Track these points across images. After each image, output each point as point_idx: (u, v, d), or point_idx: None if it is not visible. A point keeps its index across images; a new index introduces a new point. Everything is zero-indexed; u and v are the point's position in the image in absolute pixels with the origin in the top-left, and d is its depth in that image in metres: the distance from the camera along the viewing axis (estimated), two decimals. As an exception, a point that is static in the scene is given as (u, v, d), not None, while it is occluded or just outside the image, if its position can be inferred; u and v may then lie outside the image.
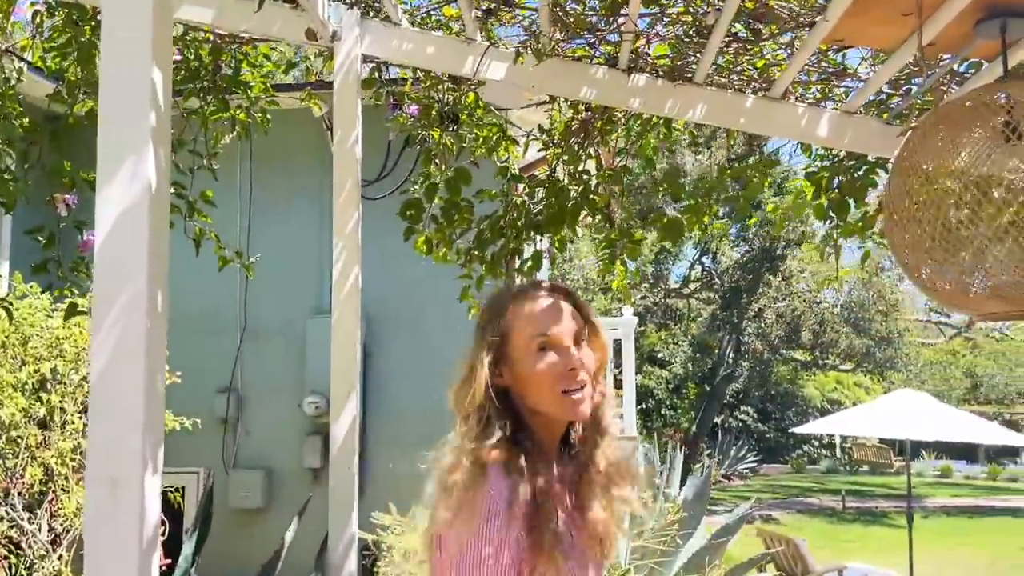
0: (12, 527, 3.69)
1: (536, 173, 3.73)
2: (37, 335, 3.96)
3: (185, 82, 2.99)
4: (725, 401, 23.96)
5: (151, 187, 1.20)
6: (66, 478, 3.86)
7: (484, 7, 2.60)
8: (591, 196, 2.94)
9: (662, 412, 22.52)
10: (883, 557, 10.94)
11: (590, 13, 2.61)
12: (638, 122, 3.19)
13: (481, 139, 3.17)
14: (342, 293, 2.59)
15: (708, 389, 22.79)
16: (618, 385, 7.64)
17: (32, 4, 2.88)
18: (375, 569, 4.35)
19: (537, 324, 1.28)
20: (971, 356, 26.66)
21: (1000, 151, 1.88)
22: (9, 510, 3.68)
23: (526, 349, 1.27)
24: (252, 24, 2.74)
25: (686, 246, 20.67)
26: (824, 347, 22.03)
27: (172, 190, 2.18)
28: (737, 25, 2.54)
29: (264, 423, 5.80)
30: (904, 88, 2.77)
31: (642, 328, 20.67)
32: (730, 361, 22.51)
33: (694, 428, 21.71)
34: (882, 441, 23.94)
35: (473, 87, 3.02)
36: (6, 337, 3.84)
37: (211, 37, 2.99)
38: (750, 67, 2.77)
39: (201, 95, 3.03)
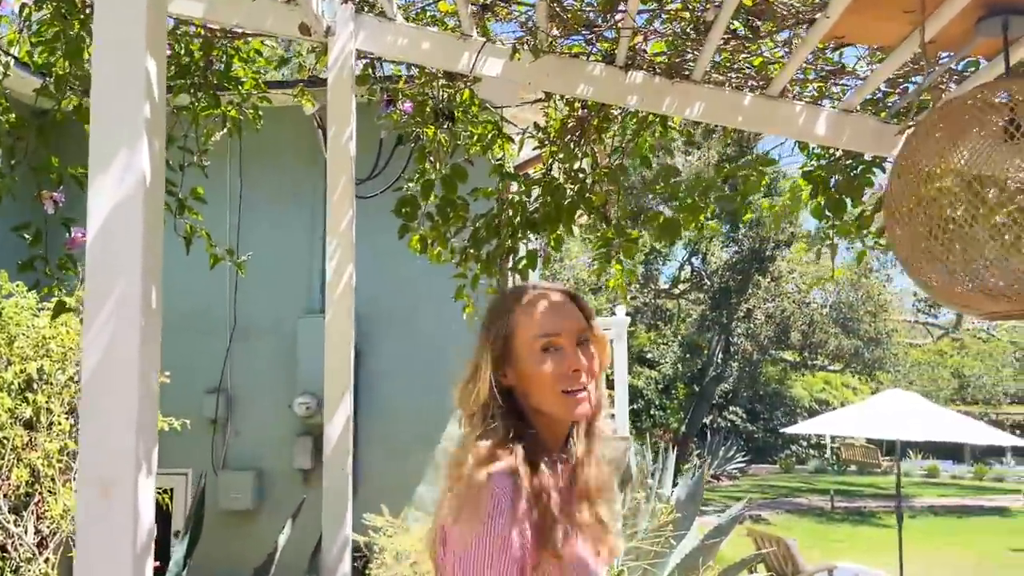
0: (-3, 529, 3.63)
1: (530, 172, 3.70)
2: (23, 334, 3.90)
3: (175, 78, 2.94)
4: (714, 401, 24.02)
5: (145, 180, 1.17)
6: (53, 479, 3.79)
7: (480, 3, 2.57)
8: (587, 195, 2.92)
9: (651, 412, 22.54)
10: (872, 557, 10.98)
11: (587, 9, 2.58)
12: (634, 120, 3.16)
13: (476, 137, 3.13)
14: (336, 292, 2.55)
15: (697, 389, 22.84)
16: (610, 385, 7.63)
17: (19, -3, 2.83)
18: (367, 571, 4.31)
19: (540, 325, 1.29)
20: (958, 356, 26.84)
21: (1001, 150, 1.87)
22: (-6, 512, 3.62)
23: (529, 349, 1.29)
24: (244, 18, 2.71)
25: (676, 247, 20.71)
26: (813, 348, 22.13)
27: (163, 186, 2.13)
28: (736, 22, 2.52)
29: (254, 424, 5.75)
30: (902, 87, 2.76)
31: (632, 328, 20.68)
32: (719, 361, 22.57)
33: (683, 428, 21.75)
34: (869, 441, 24.06)
35: (468, 84, 2.99)
36: (-9, 336, 3.78)
37: (202, 32, 2.94)
38: (747, 65, 2.76)
39: (191, 91, 2.99)
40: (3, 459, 3.67)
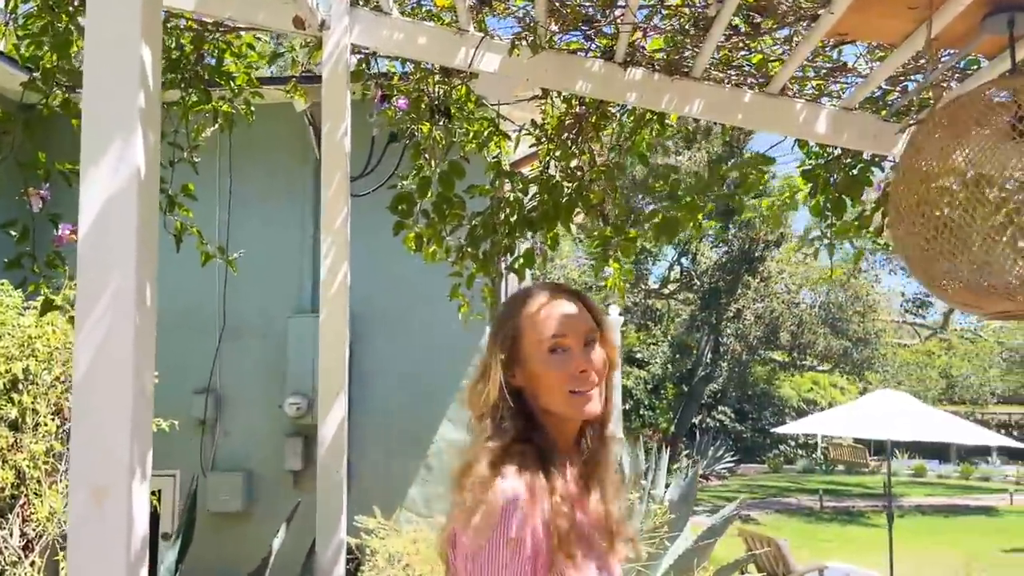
0: (-18, 533, 3.56)
1: (525, 170, 3.66)
2: (8, 334, 3.83)
3: (165, 72, 2.88)
4: (703, 401, 24.06)
5: (139, 172, 1.12)
6: (39, 482, 3.72)
7: (478, -3, 2.53)
8: (585, 193, 2.88)
9: (641, 412, 22.56)
10: (861, 556, 11.01)
11: (586, 4, 2.55)
12: (631, 118, 3.13)
13: (472, 134, 3.09)
14: (331, 290, 2.51)
15: (686, 389, 22.87)
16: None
17: (5, -11, 2.77)
18: (359, 573, 4.26)
19: (548, 326, 1.30)
20: (946, 357, 27.02)
21: (1007, 148, 1.85)
22: (-21, 515, 3.55)
23: (537, 350, 1.29)
24: (237, 11, 2.65)
25: (665, 246, 20.73)
26: (802, 348, 22.21)
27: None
28: (736, 19, 2.49)
29: (243, 424, 5.68)
30: (902, 85, 2.74)
31: (622, 328, 20.70)
32: (708, 362, 22.61)
33: (672, 428, 21.78)
34: (857, 441, 24.18)
35: (465, 80, 2.95)
36: (-24, 336, 3.71)
37: (193, 25, 2.89)
38: (747, 63, 2.73)
39: (182, 86, 2.93)
40: (-12, 461, 3.60)
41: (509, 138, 3.07)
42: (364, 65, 2.96)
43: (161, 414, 4.26)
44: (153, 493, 5.02)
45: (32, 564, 3.66)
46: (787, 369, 25.26)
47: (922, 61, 2.56)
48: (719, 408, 25.31)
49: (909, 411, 8.65)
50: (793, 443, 25.89)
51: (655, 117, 3.07)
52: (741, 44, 2.64)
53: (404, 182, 3.03)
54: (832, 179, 2.94)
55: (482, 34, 2.55)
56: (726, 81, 2.66)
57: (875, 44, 2.66)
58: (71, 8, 2.64)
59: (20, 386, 3.80)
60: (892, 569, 8.33)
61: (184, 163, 3.07)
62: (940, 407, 16.31)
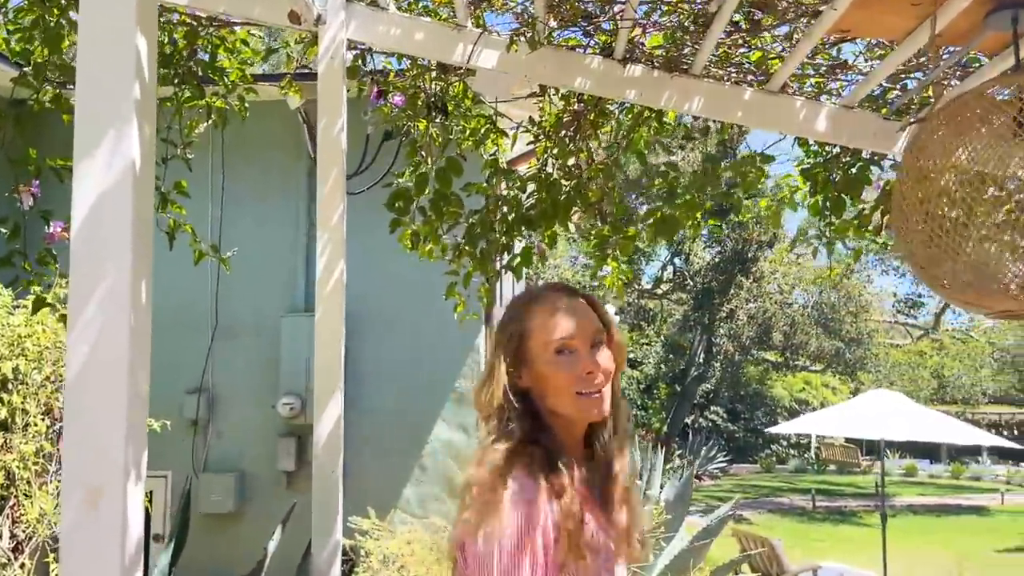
0: (-30, 534, 3.51)
1: (522, 168, 3.64)
2: (-2, 333, 3.78)
3: (158, 67, 2.84)
4: (696, 401, 24.08)
5: (134, 165, 1.09)
6: (28, 482, 3.67)
7: (476, -8, 2.50)
8: (583, 191, 2.86)
9: (633, 412, 22.54)
10: (854, 556, 11.04)
11: (586, 0, 2.52)
12: (629, 116, 3.11)
13: (468, 131, 3.07)
14: (326, 288, 2.47)
15: (679, 389, 22.89)
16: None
17: (-5, -17, 2.73)
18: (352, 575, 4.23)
19: (555, 328, 1.29)
20: (937, 357, 27.15)
21: (1009, 146, 1.84)
22: (-33, 517, 3.50)
23: (544, 351, 1.28)
24: (231, 6, 2.62)
25: (659, 246, 20.74)
26: (794, 348, 22.25)
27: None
28: (736, 15, 2.47)
29: (236, 425, 5.63)
30: (902, 83, 2.72)
31: (615, 328, 20.66)
32: (701, 362, 22.63)
33: (665, 428, 21.79)
34: (849, 440, 24.25)
35: (462, 76, 2.92)
36: (-36, 335, 3.66)
37: (187, 20, 2.85)
38: (747, 60, 2.71)
39: (175, 81, 2.89)
40: (-23, 462, 3.55)
41: (506, 135, 3.04)
42: (360, 61, 2.93)
43: (153, 414, 4.19)
44: (144, 494, 4.96)
45: (22, 566, 3.62)
46: (780, 369, 25.32)
47: (923, 59, 2.55)
48: (711, 408, 25.34)
49: (903, 411, 8.66)
50: (785, 443, 25.94)
51: (653, 115, 3.05)
52: (741, 41, 2.62)
53: (399, 180, 3.00)
54: (832, 178, 2.92)
55: (480, 30, 2.52)
56: (726, 78, 2.64)
57: (875, 42, 2.64)
58: (63, 2, 2.60)
59: (10, 386, 3.75)
60: (885, 569, 8.34)
61: (177, 160, 3.03)
62: (932, 407, 16.36)
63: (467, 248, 2.77)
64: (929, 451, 26.23)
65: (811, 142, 2.97)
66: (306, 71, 4.49)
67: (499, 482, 1.16)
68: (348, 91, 2.68)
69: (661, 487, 5.64)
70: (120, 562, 1.05)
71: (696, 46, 2.51)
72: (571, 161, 2.95)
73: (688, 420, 23.95)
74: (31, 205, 2.55)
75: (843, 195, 2.90)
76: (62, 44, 2.67)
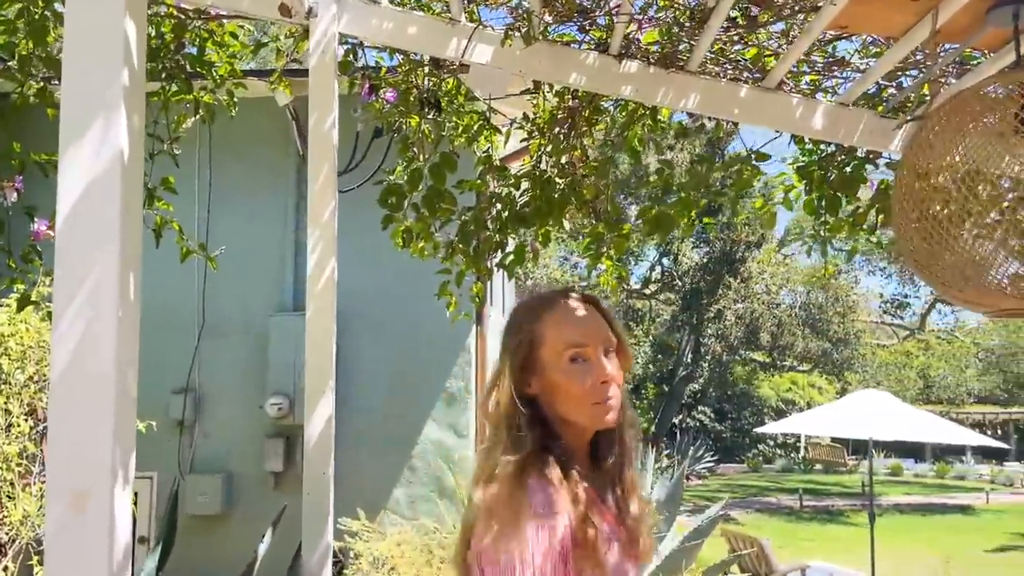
0: (-48, 537, 3.44)
1: (514, 166, 3.60)
2: (-21, 332, 3.71)
3: (146, 61, 2.79)
4: (683, 401, 24.13)
5: (123, 155, 1.05)
6: (12, 484, 3.61)
7: (470, -14, 2.47)
8: (578, 189, 2.82)
9: (623, 412, 22.50)
10: (841, 555, 11.07)
11: (582, -5, 2.49)
12: (623, 113, 3.08)
13: (461, 128, 3.03)
14: (318, 286, 2.43)
15: (667, 389, 22.92)
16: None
17: (-23, -27, 2.66)
18: (342, 577, 4.18)
19: (570, 335, 1.27)
20: (923, 357, 27.34)
21: (1009, 144, 1.82)
22: (-52, 519, 3.43)
23: (558, 359, 1.26)
24: (220, -2, 2.57)
25: (647, 247, 20.76)
26: (781, 349, 22.34)
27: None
28: (733, 11, 2.45)
29: (223, 425, 5.57)
30: (898, 80, 2.71)
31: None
32: (689, 362, 22.68)
33: (653, 428, 21.82)
34: (835, 440, 24.36)
35: (455, 72, 2.89)
36: (-54, 334, 3.59)
37: (174, 12, 2.80)
38: (741, 58, 2.69)
39: (162, 75, 2.84)
40: (-42, 463, 3.48)
41: (500, 132, 3.00)
42: (351, 56, 2.88)
43: (138, 415, 4.13)
44: (130, 495, 4.89)
45: (5, 569, 3.55)
46: (767, 369, 25.42)
47: (919, 56, 2.53)
48: (699, 408, 25.40)
49: (891, 411, 8.69)
50: (772, 443, 26.03)
51: (647, 112, 3.03)
52: (737, 38, 2.60)
53: (391, 177, 2.96)
54: (827, 176, 2.91)
55: (474, 24, 2.48)
56: (722, 75, 2.62)
57: (870, 40, 2.63)
58: (48, -7, 2.54)
59: (-8, 386, 3.68)
60: (873, 569, 8.36)
61: (164, 155, 2.98)
62: (918, 407, 16.47)
63: (460, 246, 2.73)
64: (914, 451, 26.40)
65: (807, 140, 2.95)
66: (295, 67, 4.44)
67: (517, 493, 1.13)
68: (340, 87, 2.63)
69: (651, 487, 5.61)
70: (107, 567, 1.01)
71: (692, 42, 2.49)
72: (565, 158, 2.92)
73: (676, 420, 23.99)
74: (15, 200, 2.49)
75: (838, 194, 2.89)
76: (47, 37, 2.61)
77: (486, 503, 1.16)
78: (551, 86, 2.92)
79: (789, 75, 2.64)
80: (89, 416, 1.03)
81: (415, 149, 2.86)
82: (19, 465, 3.62)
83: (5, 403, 3.66)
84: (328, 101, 2.50)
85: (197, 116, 3.04)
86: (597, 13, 2.52)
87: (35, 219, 2.42)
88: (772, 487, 20.59)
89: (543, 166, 2.92)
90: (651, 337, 23.80)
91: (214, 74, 2.95)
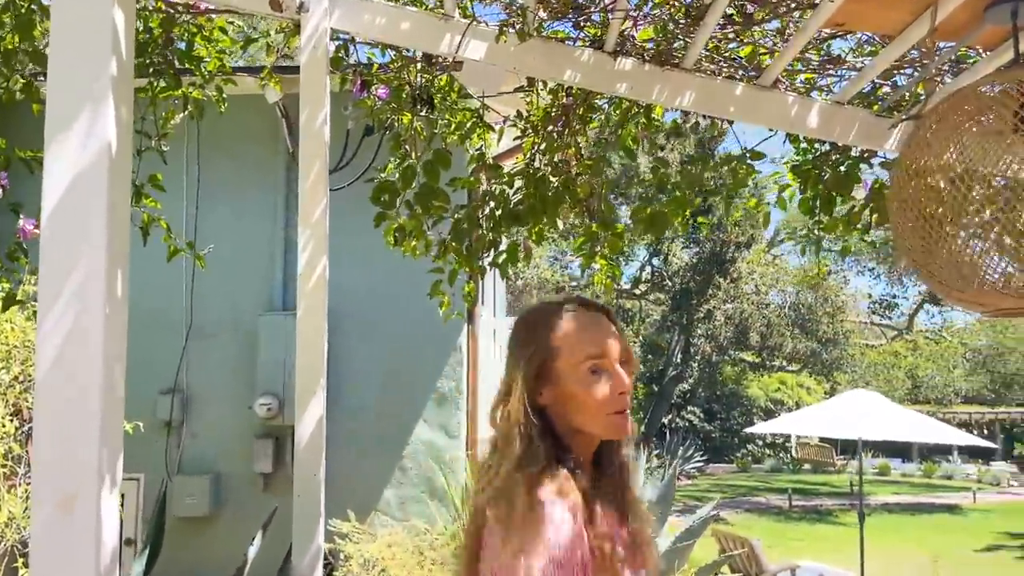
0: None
1: (507, 164, 3.57)
2: (-36, 331, 3.65)
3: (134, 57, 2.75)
4: (673, 401, 24.16)
5: (110, 147, 1.01)
6: (-4, 486, 3.56)
7: (464, -19, 2.44)
8: (572, 187, 2.80)
9: (611, 412, 22.51)
10: (831, 555, 11.10)
11: (577, -9, 2.47)
12: (617, 111, 3.06)
13: (454, 125, 3.00)
14: (308, 284, 2.40)
15: (656, 389, 22.95)
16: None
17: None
18: (332, 579, 4.14)
19: (589, 346, 1.26)
20: (912, 357, 27.51)
21: (1006, 142, 1.81)
22: (-69, 521, 3.37)
23: (577, 370, 1.25)
24: (210, -8, 2.53)
25: (637, 247, 20.78)
26: (770, 349, 22.41)
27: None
28: (729, 8, 2.43)
29: (211, 426, 5.51)
30: (893, 79, 2.70)
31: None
32: (679, 362, 22.71)
33: (643, 428, 21.84)
34: (823, 440, 24.45)
35: (449, 69, 2.86)
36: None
37: (162, 7, 2.75)
38: (736, 56, 2.67)
39: (150, 70, 2.80)
40: (-59, 464, 3.43)
41: (493, 130, 2.98)
42: (343, 52, 2.85)
43: (125, 415, 4.08)
44: (117, 497, 4.83)
45: (-12, 572, 3.50)
46: (757, 370, 25.50)
47: (914, 55, 2.52)
48: (688, 408, 25.44)
49: (881, 411, 8.72)
50: (761, 443, 26.11)
51: (641, 111, 3.01)
52: (733, 35, 2.58)
53: (382, 174, 2.93)
54: (822, 175, 2.90)
55: (468, 20, 2.45)
56: (717, 73, 2.60)
57: (865, 39, 2.62)
58: (33, -14, 2.50)
59: (-24, 386, 3.63)
60: (863, 569, 8.38)
61: (151, 152, 2.94)
62: (907, 407, 16.55)
63: (453, 244, 2.70)
64: (901, 450, 26.54)
65: (802, 139, 2.94)
66: (285, 64, 4.40)
67: (536, 509, 1.11)
68: (330, 83, 2.60)
69: (643, 487, 5.60)
70: (94, 571, 0.98)
71: (688, 39, 2.47)
72: (559, 156, 2.90)
73: (665, 420, 24.02)
74: (0, 197, 2.45)
75: (833, 193, 2.88)
76: (33, 31, 2.57)
77: (503, 519, 1.13)
78: (545, 83, 2.89)
79: (784, 73, 2.63)
80: (75, 417, 1.00)
81: (407, 146, 2.83)
82: (4, 466, 3.57)
83: (-10, 403, 3.61)
84: (320, 97, 2.46)
85: (186, 112, 3.00)
86: (592, 9, 2.50)
87: (21, 216, 2.38)
88: (761, 487, 20.64)
89: (537, 164, 2.90)
90: (641, 337, 23.82)
91: (203, 70, 2.91)
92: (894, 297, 25.01)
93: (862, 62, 2.60)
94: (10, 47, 2.52)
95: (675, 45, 2.56)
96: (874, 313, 26.63)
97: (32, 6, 2.54)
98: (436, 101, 2.87)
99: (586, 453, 1.28)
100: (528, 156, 2.93)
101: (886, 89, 2.74)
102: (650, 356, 23.46)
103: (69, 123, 0.99)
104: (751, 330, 21.23)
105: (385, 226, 2.67)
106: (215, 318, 5.55)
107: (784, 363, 24.52)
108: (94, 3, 1.02)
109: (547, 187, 2.76)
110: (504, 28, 2.39)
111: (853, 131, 2.65)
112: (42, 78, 2.77)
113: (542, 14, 2.46)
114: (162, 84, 2.86)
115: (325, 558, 4.12)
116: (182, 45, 2.88)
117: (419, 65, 2.86)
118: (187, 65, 2.88)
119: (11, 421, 3.66)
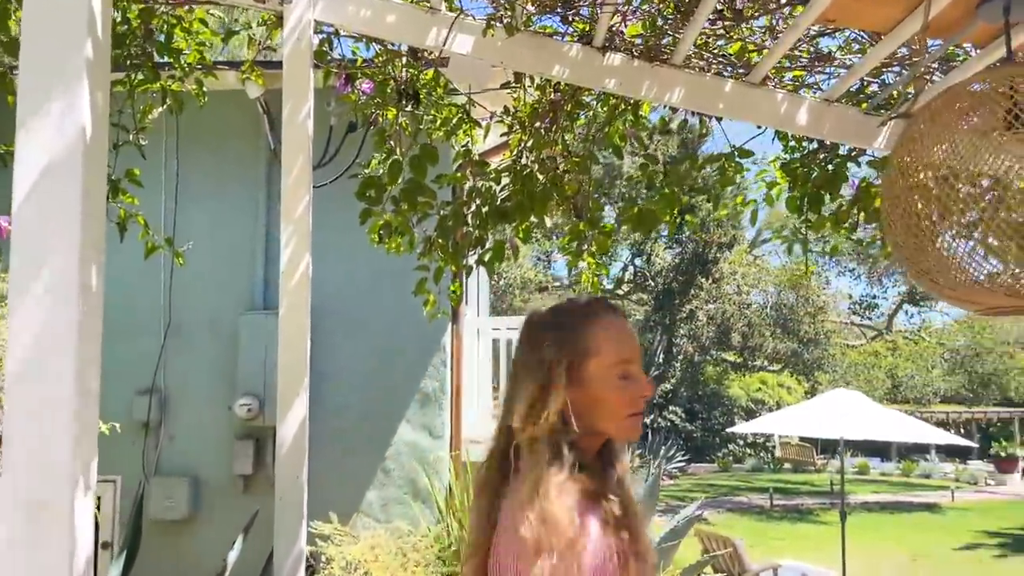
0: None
1: (493, 161, 3.54)
2: (-66, 330, 3.55)
3: (111, 48, 2.68)
4: (655, 401, 24.22)
5: (85, 132, 0.96)
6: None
7: (450, -27, 2.40)
8: (560, 184, 2.77)
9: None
10: (812, 554, 11.16)
11: (565, -15, 2.43)
12: (604, 108, 3.03)
13: (440, 121, 2.95)
14: (291, 282, 2.34)
15: (639, 390, 22.94)
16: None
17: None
18: (314, 582, 4.08)
19: (622, 350, 1.27)
20: (891, 357, 27.77)
21: (997, 140, 1.80)
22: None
23: (607, 373, 1.25)
24: (191, -17, 2.48)
25: (619, 247, 20.81)
26: (752, 349, 22.53)
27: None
28: (718, 4, 2.41)
29: (190, 427, 5.42)
30: (882, 77, 2.69)
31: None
32: (661, 362, 22.78)
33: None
34: (803, 439, 24.61)
35: (433, 63, 2.81)
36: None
37: (142, -3, 2.69)
38: (724, 54, 2.65)
39: (128, 63, 2.73)
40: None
41: (479, 126, 2.93)
42: (326, 46, 2.79)
43: (101, 416, 3.99)
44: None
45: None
46: (739, 370, 25.62)
47: (903, 53, 2.51)
48: (670, 408, 25.51)
49: (863, 410, 8.77)
50: (742, 442, 26.24)
51: (629, 108, 2.98)
52: (722, 31, 2.56)
53: (366, 170, 2.88)
54: (810, 174, 2.88)
55: (455, 13, 2.41)
56: (707, 69, 2.58)
57: (853, 37, 2.61)
58: (7, -26, 2.43)
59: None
60: (844, 567, 8.42)
61: (129, 146, 2.87)
62: (887, 406, 16.68)
63: (439, 241, 2.66)
64: (880, 449, 26.78)
65: (790, 137, 2.92)
66: (267, 60, 4.33)
67: (570, 512, 1.11)
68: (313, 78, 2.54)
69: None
70: (67, 583, 0.93)
71: (677, 35, 2.44)
72: (546, 153, 2.86)
73: (647, 420, 24.08)
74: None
75: (821, 191, 2.87)
76: (8, 21, 2.49)
77: (538, 525, 1.10)
78: (532, 79, 2.86)
79: (773, 71, 2.61)
80: (48, 418, 0.95)
81: (392, 142, 2.78)
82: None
83: (-39, 404, 3.51)
84: (303, 90, 2.41)
85: (164, 106, 2.93)
86: (581, 3, 2.47)
87: (-7, 211, 2.30)
88: (743, 486, 20.74)
89: (524, 161, 2.86)
90: (623, 337, 23.82)
91: (182, 62, 2.84)
92: (874, 298, 25.25)
93: (850, 60, 2.59)
94: (-17, 36, 2.44)
95: (664, 41, 2.53)
96: (854, 313, 26.86)
97: (7, -6, 2.47)
98: (422, 96, 2.82)
99: (591, 453, 1.27)
100: (515, 153, 2.90)
101: (874, 87, 2.73)
102: (632, 356, 23.46)
103: (42, 106, 0.94)
104: (733, 330, 21.33)
105: (370, 223, 2.62)
106: (194, 317, 5.46)
107: (765, 363, 24.66)
108: (68, -18, 0.96)
109: (534, 184, 2.73)
110: (492, 22, 2.35)
111: (843, 129, 2.63)
112: (18, 71, 2.69)
113: (530, 8, 2.42)
114: (140, 77, 2.79)
115: (306, 561, 4.06)
116: (161, 37, 2.81)
117: (405, 59, 2.81)
118: (166, 58, 2.82)
119: (-17, 422, 3.57)
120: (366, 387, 5.41)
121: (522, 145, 2.88)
